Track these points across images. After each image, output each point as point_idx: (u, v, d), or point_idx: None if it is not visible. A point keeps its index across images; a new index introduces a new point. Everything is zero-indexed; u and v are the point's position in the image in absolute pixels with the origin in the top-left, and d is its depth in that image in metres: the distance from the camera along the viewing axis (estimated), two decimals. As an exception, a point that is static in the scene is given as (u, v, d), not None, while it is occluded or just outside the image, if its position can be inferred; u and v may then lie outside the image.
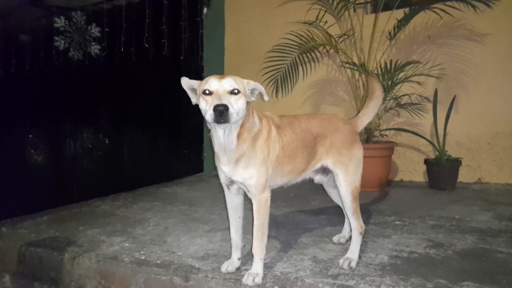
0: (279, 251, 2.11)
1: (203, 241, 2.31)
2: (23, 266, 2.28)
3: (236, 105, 1.58)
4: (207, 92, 1.59)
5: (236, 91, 1.60)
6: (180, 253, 2.11)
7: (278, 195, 3.39)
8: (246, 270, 1.80)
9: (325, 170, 2.04)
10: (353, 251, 1.93)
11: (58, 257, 2.16)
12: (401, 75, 3.58)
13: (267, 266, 1.87)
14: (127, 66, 3.83)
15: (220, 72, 4.96)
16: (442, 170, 3.67)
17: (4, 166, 2.84)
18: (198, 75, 4.77)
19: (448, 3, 3.51)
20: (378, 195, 3.47)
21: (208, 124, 1.65)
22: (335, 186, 2.02)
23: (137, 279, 1.93)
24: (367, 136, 3.73)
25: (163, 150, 4.32)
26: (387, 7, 3.78)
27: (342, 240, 2.22)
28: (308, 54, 4.06)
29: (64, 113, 3.28)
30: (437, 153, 3.75)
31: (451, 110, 3.68)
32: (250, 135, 1.70)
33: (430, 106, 3.75)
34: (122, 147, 3.83)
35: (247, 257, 1.97)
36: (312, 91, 4.57)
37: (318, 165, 1.98)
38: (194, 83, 1.70)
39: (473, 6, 3.40)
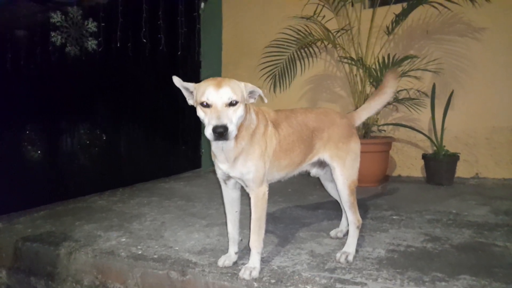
0: (276, 245, 2.11)
1: (200, 236, 2.30)
2: (20, 261, 2.28)
3: (235, 118, 1.56)
4: (205, 104, 1.57)
5: (234, 102, 1.56)
6: (177, 248, 2.10)
7: (276, 190, 3.39)
8: (243, 264, 1.80)
9: (321, 164, 2.04)
10: (350, 245, 1.93)
11: (55, 252, 2.15)
12: (399, 70, 3.57)
13: (264, 260, 1.86)
14: (124, 61, 3.81)
15: (217, 68, 4.94)
16: (439, 165, 3.68)
17: (1, 162, 2.83)
18: (195, 71, 4.75)
19: (446, -3, 3.50)
20: (375, 190, 3.47)
21: None
22: (332, 180, 2.02)
23: (133, 273, 1.92)
24: (365, 131, 3.73)
25: (161, 145, 4.31)
26: (385, 2, 3.77)
27: (340, 235, 2.22)
28: (306, 49, 4.05)
29: (61, 109, 3.26)
30: (434, 148, 3.75)
31: (449, 105, 3.68)
32: (248, 132, 1.69)
33: (428, 101, 3.75)
34: (119, 143, 3.82)
35: (244, 252, 1.97)
36: (309, 87, 4.56)
37: (315, 159, 1.98)
38: (189, 85, 1.66)
39: (472, 0, 3.39)
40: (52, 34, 3.17)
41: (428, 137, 3.80)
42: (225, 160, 1.72)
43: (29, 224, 2.58)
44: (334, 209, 2.70)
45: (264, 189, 1.76)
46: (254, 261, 1.74)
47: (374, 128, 3.83)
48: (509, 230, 2.29)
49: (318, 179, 2.29)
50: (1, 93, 2.84)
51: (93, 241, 2.24)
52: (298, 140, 1.87)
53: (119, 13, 3.68)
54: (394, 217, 2.62)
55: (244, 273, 1.70)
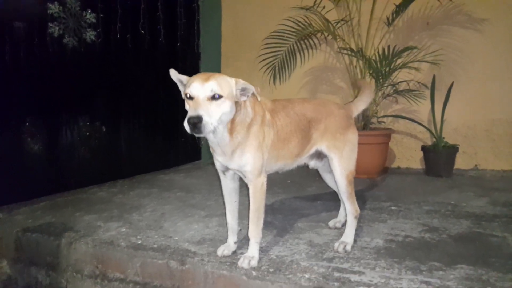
0: (275, 235, 2.13)
1: (199, 226, 2.32)
2: (20, 252, 2.29)
3: (217, 112, 1.53)
4: (188, 96, 1.55)
5: (217, 96, 1.53)
6: (176, 238, 2.12)
7: (275, 182, 3.40)
8: (242, 254, 1.81)
9: (319, 155, 2.04)
10: (348, 235, 1.95)
11: (55, 242, 2.16)
12: (399, 61, 3.56)
13: (262, 250, 1.88)
14: (123, 53, 3.79)
15: (217, 60, 4.92)
16: (439, 157, 3.68)
17: (1, 154, 2.83)
18: (195, 63, 4.74)
19: (447, -13, 3.48)
20: (374, 182, 3.48)
21: None
22: (331, 171, 2.03)
23: (133, 263, 1.94)
24: (364, 123, 3.73)
25: (160, 137, 4.31)
26: (385, -7, 3.74)
27: (338, 225, 2.24)
28: (305, 40, 4.03)
29: (60, 101, 3.25)
30: (434, 140, 3.76)
31: (448, 97, 3.67)
32: (244, 125, 1.68)
33: (427, 93, 3.74)
34: (119, 135, 3.82)
35: (243, 242, 1.98)
36: (309, 78, 4.54)
37: (312, 150, 1.98)
38: (183, 78, 1.66)
39: (472, -9, 3.37)
40: (50, 25, 3.15)
41: (428, 129, 3.80)
42: (222, 153, 1.73)
43: (29, 215, 2.59)
44: (332, 200, 2.71)
45: (263, 179, 1.76)
46: (253, 250, 1.75)
47: (374, 120, 3.83)
48: (507, 221, 2.30)
49: (316, 171, 2.29)
50: (0, 85, 2.84)
51: (93, 231, 2.25)
52: (296, 130, 1.87)
53: (118, 4, 3.65)
54: (392, 208, 2.63)
55: (243, 262, 1.71)
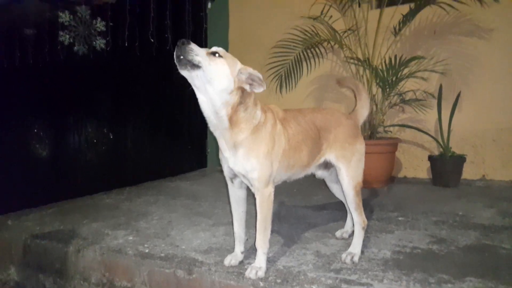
0: (282, 245, 2.12)
1: (206, 235, 2.32)
2: (28, 258, 2.31)
3: (207, 60, 1.55)
4: None
5: (217, 55, 1.58)
6: (183, 247, 2.12)
7: (282, 190, 3.39)
8: (249, 263, 1.81)
9: (327, 165, 2.04)
10: (356, 246, 1.94)
11: (63, 249, 2.18)
12: (406, 70, 3.56)
13: (270, 260, 1.88)
14: (132, 60, 3.84)
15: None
16: (446, 167, 3.66)
17: (9, 160, 2.87)
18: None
19: (454, -3, 3.49)
20: (381, 191, 3.47)
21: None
22: (337, 181, 2.03)
23: (140, 271, 1.94)
24: (371, 132, 3.72)
25: (167, 144, 4.33)
26: (392, 2, 3.75)
27: (345, 235, 2.23)
28: (312, 49, 4.05)
29: (68, 107, 3.30)
30: (441, 149, 3.74)
31: (455, 106, 3.66)
32: (249, 125, 1.67)
33: (434, 102, 3.73)
34: (126, 142, 3.85)
35: (250, 251, 1.98)
36: (315, 86, 4.56)
37: (321, 160, 1.98)
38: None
39: (480, 1, 3.38)
40: (61, 33, 3.20)
41: (435, 138, 3.79)
42: (225, 147, 1.71)
43: (38, 222, 2.61)
44: (339, 209, 2.70)
45: (270, 189, 1.75)
46: (260, 261, 1.75)
47: (380, 129, 3.82)
48: (516, 232, 2.28)
49: (323, 180, 2.29)
50: (10, 91, 2.88)
51: (100, 239, 2.26)
52: (306, 139, 1.87)
53: (127, 12, 3.71)
54: (399, 218, 2.62)
55: (250, 273, 1.71)
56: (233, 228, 1.94)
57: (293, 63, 4.04)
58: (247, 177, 1.73)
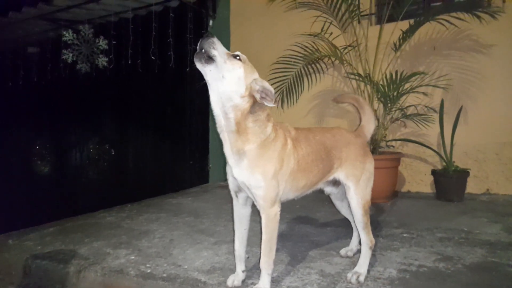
0: (286, 264, 2.09)
1: (208, 254, 2.29)
2: (29, 279, 2.28)
3: (225, 63, 1.59)
4: None
5: (237, 57, 1.62)
6: (186, 266, 2.09)
7: (284, 206, 3.33)
8: (253, 283, 1.78)
9: (335, 182, 2.02)
10: (362, 265, 1.90)
11: (64, 270, 2.15)
12: (407, 86, 3.57)
13: (274, 280, 1.84)
14: (134, 78, 3.87)
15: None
16: (449, 181, 3.64)
17: (11, 178, 2.86)
18: (204, 87, 4.79)
19: (453, 14, 3.52)
20: (385, 207, 3.43)
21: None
22: (343, 199, 2.01)
23: (142, 292, 1.91)
24: (373, 147, 3.71)
25: (168, 161, 4.33)
26: (392, 19, 3.79)
27: (350, 254, 2.19)
28: (313, 65, 4.07)
29: (71, 124, 3.31)
30: (444, 164, 3.72)
31: (458, 120, 3.66)
32: (256, 138, 1.66)
33: (436, 116, 3.73)
34: (128, 158, 3.85)
35: (253, 270, 1.95)
36: (316, 102, 4.57)
37: (330, 178, 1.96)
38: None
39: (478, 17, 3.41)
40: (64, 51, 3.24)
41: (437, 153, 3.78)
42: (230, 152, 1.69)
43: (38, 241, 2.59)
44: (343, 226, 2.67)
45: (276, 209, 1.72)
46: (264, 282, 1.72)
47: (383, 144, 3.81)
48: (523, 249, 2.25)
49: (327, 196, 2.27)
50: (13, 108, 2.89)
51: (102, 259, 2.23)
52: (317, 159, 1.85)
53: (129, 30, 3.75)
54: (404, 235, 2.58)
55: (255, 294, 1.68)
56: (234, 246, 1.92)
57: (294, 78, 4.06)
58: (251, 191, 1.70)
